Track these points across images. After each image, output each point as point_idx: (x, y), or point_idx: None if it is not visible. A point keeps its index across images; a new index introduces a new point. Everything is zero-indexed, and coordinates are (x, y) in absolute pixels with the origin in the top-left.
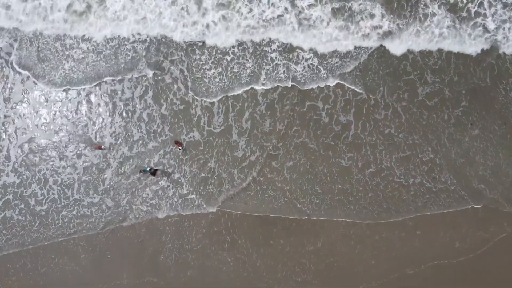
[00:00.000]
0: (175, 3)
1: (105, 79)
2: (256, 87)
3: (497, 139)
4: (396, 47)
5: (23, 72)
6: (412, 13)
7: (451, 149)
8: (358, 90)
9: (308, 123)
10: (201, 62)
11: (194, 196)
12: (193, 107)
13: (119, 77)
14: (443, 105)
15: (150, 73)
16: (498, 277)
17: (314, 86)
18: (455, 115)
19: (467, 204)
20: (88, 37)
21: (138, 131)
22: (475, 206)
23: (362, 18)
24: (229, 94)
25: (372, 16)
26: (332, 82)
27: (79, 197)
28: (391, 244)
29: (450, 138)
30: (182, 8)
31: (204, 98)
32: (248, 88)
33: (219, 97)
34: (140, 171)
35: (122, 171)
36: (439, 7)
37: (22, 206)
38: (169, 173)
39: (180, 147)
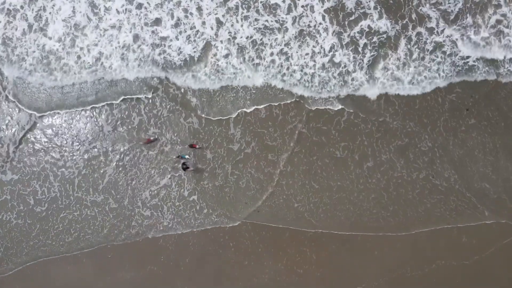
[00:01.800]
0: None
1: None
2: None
3: (493, 128)
4: None
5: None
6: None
7: (449, 139)
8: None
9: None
10: None
11: (195, 197)
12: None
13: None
14: (437, 89)
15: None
16: (503, 281)
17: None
18: (449, 100)
19: (482, 215)
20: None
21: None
22: (496, 222)
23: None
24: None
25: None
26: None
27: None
28: (393, 239)
29: (446, 126)
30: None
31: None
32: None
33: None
34: (178, 156)
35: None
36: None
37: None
38: (201, 169)
39: (197, 147)
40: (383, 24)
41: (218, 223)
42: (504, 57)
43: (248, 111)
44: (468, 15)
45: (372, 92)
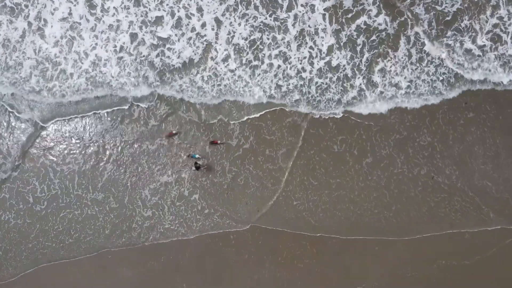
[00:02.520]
0: None
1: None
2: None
3: (491, 121)
4: None
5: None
6: None
7: (448, 132)
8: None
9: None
10: None
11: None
12: None
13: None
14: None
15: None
16: (504, 282)
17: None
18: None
19: (487, 217)
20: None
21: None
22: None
23: None
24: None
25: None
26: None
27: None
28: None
29: (444, 119)
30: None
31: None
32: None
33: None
34: (189, 155)
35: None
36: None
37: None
38: (212, 169)
39: (218, 142)
40: (382, 20)
41: (219, 224)
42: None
43: (251, 117)
44: (466, 16)
45: (372, 100)
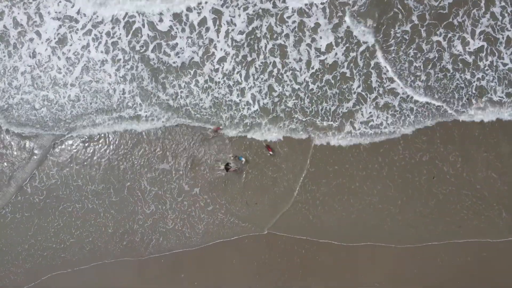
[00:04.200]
0: None
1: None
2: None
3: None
4: None
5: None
6: None
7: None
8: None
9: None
10: None
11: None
12: None
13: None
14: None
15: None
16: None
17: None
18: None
19: (499, 218)
20: None
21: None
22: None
23: None
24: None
25: None
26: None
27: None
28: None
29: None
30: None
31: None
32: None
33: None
34: (236, 157)
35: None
36: None
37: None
38: (241, 171)
39: (270, 152)
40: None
41: (224, 222)
42: None
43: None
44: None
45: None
